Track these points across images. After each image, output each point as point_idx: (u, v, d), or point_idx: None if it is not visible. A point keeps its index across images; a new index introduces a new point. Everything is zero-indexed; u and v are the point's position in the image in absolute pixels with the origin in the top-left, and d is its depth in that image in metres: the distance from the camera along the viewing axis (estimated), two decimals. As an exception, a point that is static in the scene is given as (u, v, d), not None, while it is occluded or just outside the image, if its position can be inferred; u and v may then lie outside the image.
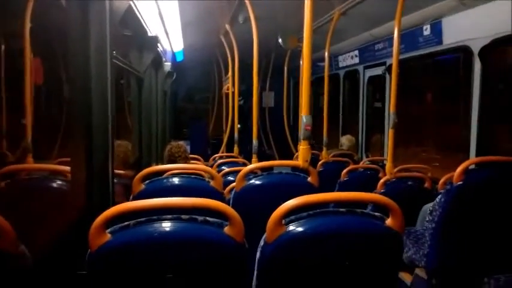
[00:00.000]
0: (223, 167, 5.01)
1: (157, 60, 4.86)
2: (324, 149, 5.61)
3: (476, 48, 3.91)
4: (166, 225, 1.53)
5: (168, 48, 6.15)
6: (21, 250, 1.48)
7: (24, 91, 3.20)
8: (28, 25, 3.03)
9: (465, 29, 4.07)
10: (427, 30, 4.62)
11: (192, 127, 11.37)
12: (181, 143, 4.20)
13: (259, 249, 1.64)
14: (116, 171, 2.47)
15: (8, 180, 2.46)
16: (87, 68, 1.98)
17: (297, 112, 8.73)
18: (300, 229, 1.58)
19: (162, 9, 4.06)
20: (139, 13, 3.16)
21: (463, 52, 4.18)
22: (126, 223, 1.54)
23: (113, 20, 2.03)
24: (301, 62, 6.85)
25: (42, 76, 3.74)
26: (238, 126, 6.84)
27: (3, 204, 1.10)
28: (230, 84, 7.47)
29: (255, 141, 4.84)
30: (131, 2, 2.30)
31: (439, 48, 4.51)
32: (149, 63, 4.00)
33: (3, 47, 3.37)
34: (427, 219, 2.77)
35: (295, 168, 3.07)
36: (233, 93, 7.14)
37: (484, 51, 3.81)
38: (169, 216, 1.55)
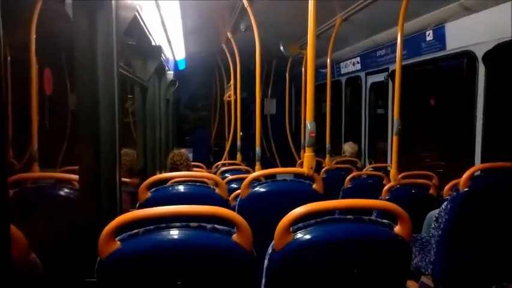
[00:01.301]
0: (226, 175, 5.01)
1: (161, 69, 4.88)
2: (327, 156, 5.61)
3: (480, 53, 3.91)
4: (175, 233, 1.54)
5: (170, 57, 6.18)
6: (32, 258, 1.49)
7: (30, 100, 3.23)
8: (34, 36, 3.07)
9: (468, 34, 4.07)
10: (429, 36, 4.63)
11: (194, 135, 11.40)
12: (183, 150, 4.21)
13: (267, 257, 1.64)
14: (122, 179, 2.48)
15: (16, 188, 2.49)
16: (95, 78, 2.00)
17: (298, 119, 8.75)
18: (308, 237, 1.59)
19: (165, 19, 4.09)
20: (144, 23, 3.19)
21: (466, 57, 4.19)
22: (135, 231, 1.54)
23: (119, 30, 2.05)
24: (302, 69, 6.91)
25: (52, 87, 3.77)
26: (241, 133, 6.85)
27: (12, 212, 1.12)
28: (232, 92, 7.49)
29: (258, 149, 4.82)
30: (136, 13, 2.33)
31: (442, 53, 4.52)
32: (153, 71, 4.03)
33: (9, 57, 3.40)
34: (433, 226, 2.77)
35: (298, 175, 3.07)
36: (235, 100, 7.16)
37: (488, 56, 3.82)
38: (177, 224, 1.56)
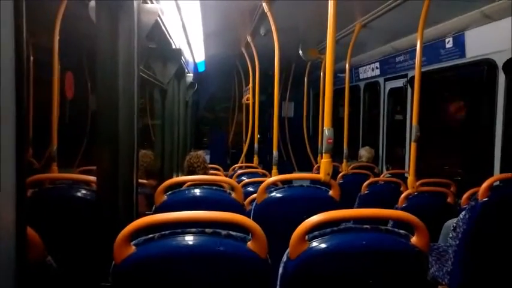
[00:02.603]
0: (243, 178, 5.02)
1: (180, 72, 4.91)
2: (344, 161, 5.57)
3: (500, 62, 3.86)
4: (190, 239, 1.55)
5: (190, 59, 6.22)
6: (48, 261, 1.51)
7: (51, 100, 3.29)
8: (57, 38, 3.13)
9: (489, 42, 4.02)
10: (449, 43, 4.58)
11: (212, 137, 11.44)
12: (200, 152, 4.22)
13: (281, 265, 1.63)
14: (140, 180, 2.50)
15: (34, 189, 2.52)
16: (115, 81, 2.02)
17: (316, 123, 8.70)
18: (323, 245, 1.58)
19: (186, 22, 4.12)
20: (165, 26, 3.22)
21: (486, 65, 4.12)
22: (150, 236, 1.55)
23: (141, 34, 2.08)
24: (321, 74, 6.88)
25: (73, 91, 3.84)
26: (258, 136, 6.85)
27: (29, 214, 1.14)
28: (250, 95, 7.49)
29: (275, 153, 4.80)
30: (158, 17, 2.35)
31: (461, 61, 4.46)
32: (172, 74, 4.06)
33: (32, 58, 3.48)
34: (451, 235, 2.73)
35: (315, 181, 3.06)
36: (253, 103, 7.17)
37: (509, 65, 3.76)
38: (193, 230, 1.56)
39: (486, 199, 2.53)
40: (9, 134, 1.02)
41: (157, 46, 3.72)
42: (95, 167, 2.19)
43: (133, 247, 1.52)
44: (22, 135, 1.07)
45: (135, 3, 2.01)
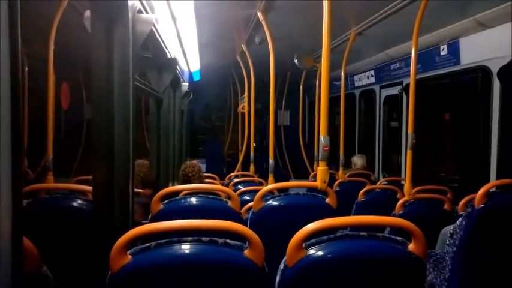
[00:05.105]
0: (239, 186, 5.01)
1: (176, 81, 4.92)
2: (341, 168, 5.57)
3: (495, 69, 3.88)
4: (187, 248, 1.54)
5: (185, 69, 6.23)
6: (44, 271, 1.49)
7: (46, 110, 3.28)
8: (52, 47, 3.13)
9: (483, 49, 4.05)
10: (444, 50, 4.61)
11: (207, 145, 11.45)
12: (195, 162, 4.21)
13: (279, 273, 1.63)
14: (135, 189, 2.49)
15: (29, 199, 2.51)
16: (111, 91, 2.02)
17: (312, 131, 8.74)
18: (320, 253, 1.57)
19: (181, 32, 4.13)
20: (160, 36, 3.23)
21: (481, 72, 4.15)
22: (146, 245, 1.55)
23: (136, 43, 2.08)
24: (316, 82, 6.91)
25: (68, 101, 3.83)
26: (254, 145, 6.85)
27: (25, 224, 1.12)
28: (246, 103, 7.51)
29: (271, 161, 4.80)
30: (153, 27, 2.37)
31: (456, 68, 4.49)
32: (168, 83, 4.06)
33: (26, 68, 3.48)
34: (448, 242, 2.72)
35: (312, 189, 3.05)
36: (249, 112, 7.19)
37: (503, 72, 3.78)
38: (189, 239, 1.56)
39: (482, 205, 2.54)
40: (4, 143, 1.01)
41: (153, 55, 3.73)
42: (91, 177, 2.18)
43: (130, 256, 1.51)
44: (18, 145, 1.05)
45: (130, 13, 2.02)
